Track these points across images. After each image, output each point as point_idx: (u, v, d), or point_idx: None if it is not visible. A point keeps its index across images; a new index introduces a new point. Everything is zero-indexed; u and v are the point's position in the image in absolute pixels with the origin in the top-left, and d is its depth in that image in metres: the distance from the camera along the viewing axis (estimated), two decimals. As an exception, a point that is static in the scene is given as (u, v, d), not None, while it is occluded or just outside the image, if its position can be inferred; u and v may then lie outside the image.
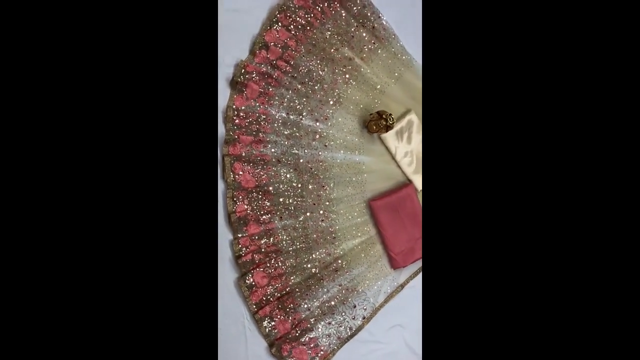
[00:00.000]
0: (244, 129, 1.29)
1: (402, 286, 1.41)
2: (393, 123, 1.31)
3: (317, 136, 1.36)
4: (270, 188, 1.30)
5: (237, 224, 1.25)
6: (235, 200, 1.26)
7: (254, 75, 1.30)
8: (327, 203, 1.35)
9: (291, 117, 1.33)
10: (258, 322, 1.26)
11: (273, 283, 1.28)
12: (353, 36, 1.40)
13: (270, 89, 1.32)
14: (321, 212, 1.34)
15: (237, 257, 1.26)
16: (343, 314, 1.33)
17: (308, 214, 1.33)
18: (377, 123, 1.33)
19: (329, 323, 1.32)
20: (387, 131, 1.34)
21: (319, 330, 1.31)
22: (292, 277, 1.30)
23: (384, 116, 1.31)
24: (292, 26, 1.34)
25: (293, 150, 1.33)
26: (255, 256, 1.26)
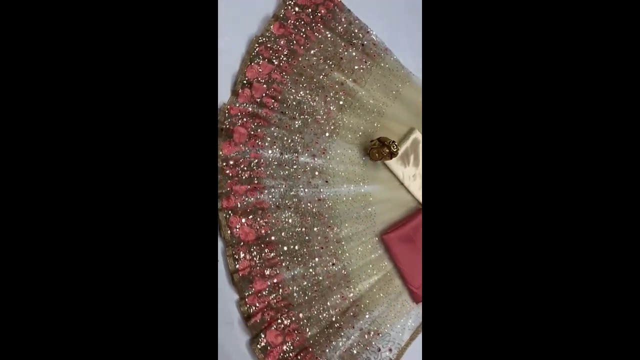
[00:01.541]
0: (236, 179, 1.18)
1: (427, 319, 1.31)
2: (397, 150, 1.20)
3: (317, 172, 1.24)
4: (273, 237, 1.19)
5: (241, 283, 1.15)
6: (236, 258, 1.15)
7: (239, 118, 1.19)
8: (336, 244, 1.24)
9: (286, 156, 1.22)
10: (277, 385, 1.16)
11: (288, 340, 1.18)
12: (342, 58, 1.28)
13: (260, 130, 1.20)
14: (330, 254, 1.23)
15: (246, 319, 1.16)
16: (368, 360, 1.24)
17: (316, 259, 1.22)
18: (379, 151, 1.22)
19: (354, 372, 1.22)
20: (391, 158, 1.23)
21: (344, 382, 1.21)
22: (308, 330, 1.20)
23: (386, 143, 1.20)
24: (274, 57, 1.22)
25: (292, 192, 1.22)
26: (266, 315, 1.16)
